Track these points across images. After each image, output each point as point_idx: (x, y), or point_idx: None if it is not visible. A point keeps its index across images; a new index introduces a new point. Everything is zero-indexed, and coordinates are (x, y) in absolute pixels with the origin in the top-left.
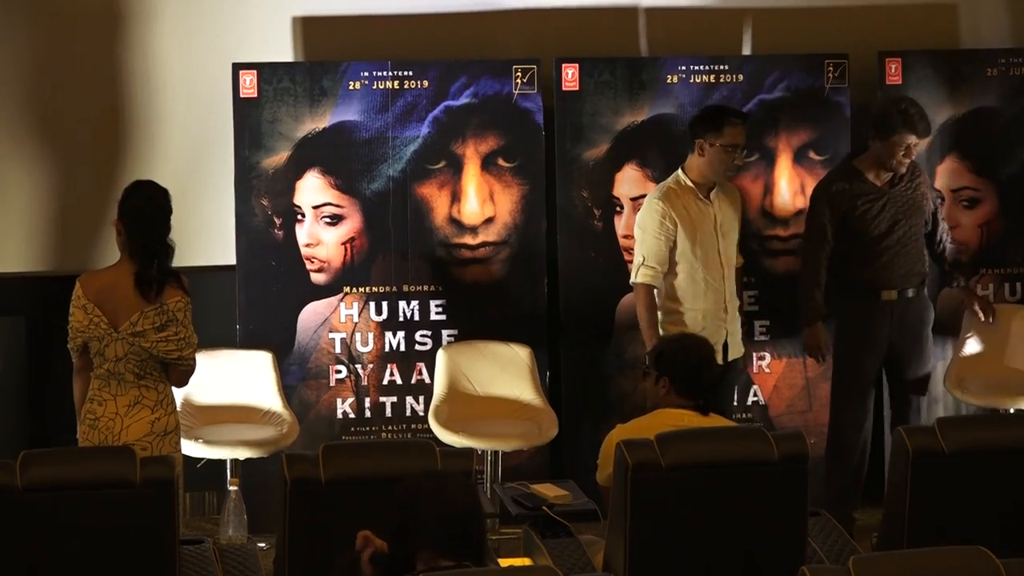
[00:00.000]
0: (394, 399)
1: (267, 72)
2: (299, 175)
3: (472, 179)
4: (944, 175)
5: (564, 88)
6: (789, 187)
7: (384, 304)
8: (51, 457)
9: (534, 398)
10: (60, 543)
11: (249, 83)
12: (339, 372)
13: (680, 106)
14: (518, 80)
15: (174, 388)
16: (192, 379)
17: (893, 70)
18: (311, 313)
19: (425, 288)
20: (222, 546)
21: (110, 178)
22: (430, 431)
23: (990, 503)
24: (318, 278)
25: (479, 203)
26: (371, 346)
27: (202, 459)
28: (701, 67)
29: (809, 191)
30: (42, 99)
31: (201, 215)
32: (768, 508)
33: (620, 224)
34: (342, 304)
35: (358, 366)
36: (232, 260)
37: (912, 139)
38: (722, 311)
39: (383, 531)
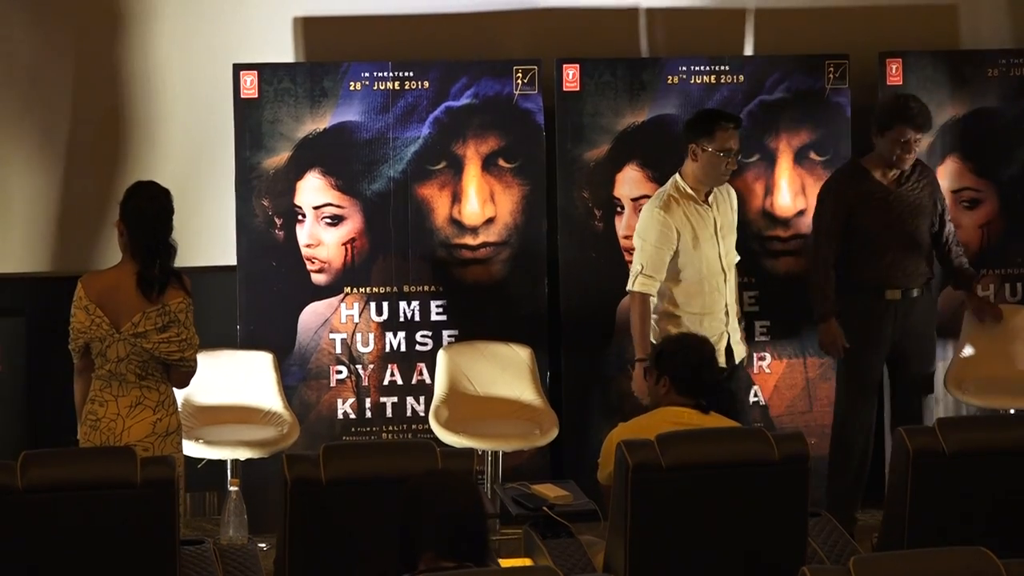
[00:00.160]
0: (395, 399)
1: (268, 73)
2: (300, 176)
3: (473, 180)
4: (945, 176)
5: (565, 89)
6: (790, 188)
7: (385, 305)
8: (51, 458)
9: (534, 398)
10: (60, 544)
11: (250, 83)
12: (340, 372)
13: (681, 107)
14: (519, 81)
15: (175, 389)
16: (193, 380)
17: (894, 71)
18: (312, 314)
19: (426, 289)
20: (222, 546)
21: (111, 178)
22: (431, 431)
23: (991, 504)
24: (319, 279)
25: (480, 204)
26: (372, 346)
27: (203, 459)
28: (702, 68)
29: (810, 192)
30: (43, 99)
31: (202, 216)
32: (768, 509)
33: (621, 225)
34: (343, 304)
35: (359, 366)
36: (233, 261)
37: (910, 133)
38: (723, 314)
39: (386, 531)
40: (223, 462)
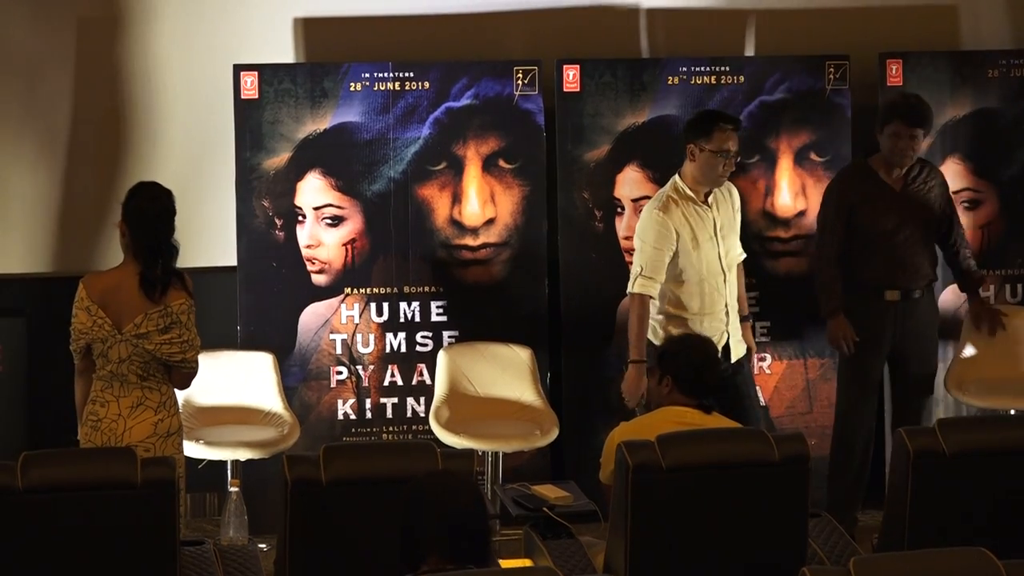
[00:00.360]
0: (395, 400)
1: (268, 73)
2: (300, 176)
3: (473, 180)
4: (945, 176)
5: (565, 89)
6: (790, 189)
7: (385, 305)
8: (52, 458)
9: (535, 399)
10: (61, 544)
11: (250, 84)
12: (340, 373)
13: (681, 107)
14: (519, 81)
15: (176, 390)
16: (194, 381)
17: (894, 71)
18: (312, 314)
19: (426, 289)
20: (223, 547)
21: (111, 179)
22: (431, 432)
23: (991, 504)
24: (319, 279)
25: (480, 204)
26: (372, 347)
27: (203, 460)
28: (702, 68)
29: (810, 192)
30: (43, 100)
31: (202, 216)
32: (769, 509)
33: (621, 225)
34: (343, 305)
35: (359, 367)
36: (233, 261)
37: (903, 128)
38: (723, 314)
39: (386, 532)
40: (223, 463)
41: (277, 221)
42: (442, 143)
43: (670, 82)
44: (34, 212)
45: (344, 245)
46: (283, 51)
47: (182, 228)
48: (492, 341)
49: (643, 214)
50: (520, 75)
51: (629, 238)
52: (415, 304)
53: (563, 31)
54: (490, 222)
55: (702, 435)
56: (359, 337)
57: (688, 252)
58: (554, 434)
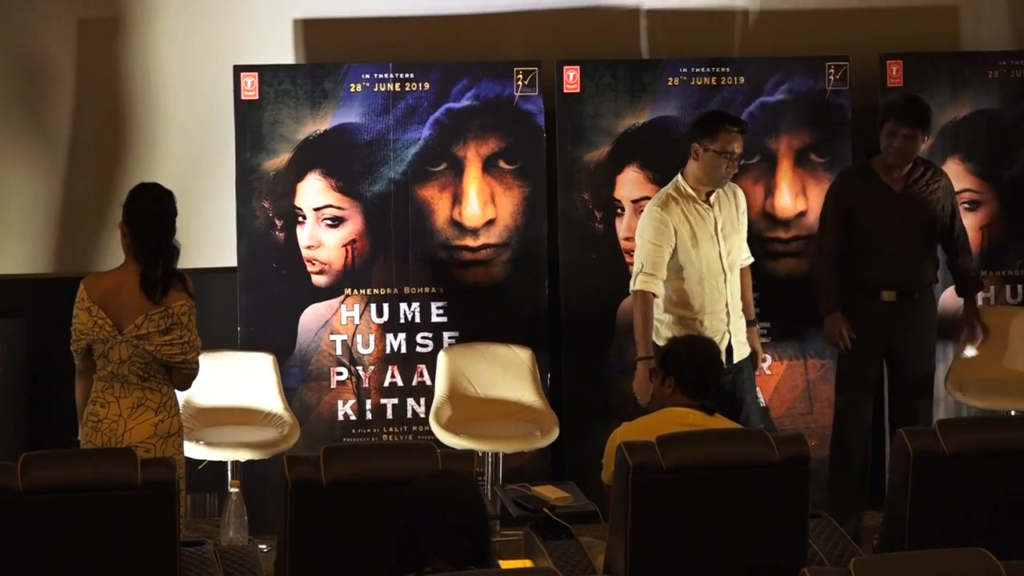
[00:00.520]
0: (395, 401)
1: (268, 74)
2: (300, 177)
3: (473, 181)
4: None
5: (565, 90)
6: (790, 189)
7: (385, 306)
8: (52, 459)
9: (535, 400)
10: (61, 545)
11: (250, 85)
12: (340, 374)
13: (681, 108)
14: (519, 82)
15: (177, 391)
16: (194, 382)
17: (894, 72)
18: (312, 315)
19: (426, 290)
20: (223, 548)
21: (111, 180)
22: (431, 433)
23: (991, 505)
24: (319, 280)
25: (480, 205)
26: (372, 348)
27: (203, 461)
28: (702, 69)
29: (810, 193)
30: (44, 100)
31: (202, 217)
32: (769, 510)
33: (621, 226)
34: (343, 306)
35: (359, 368)
36: (233, 262)
37: (896, 127)
38: (724, 314)
39: (386, 533)
40: (224, 463)
41: (277, 222)
42: (442, 144)
43: (670, 83)
44: (34, 213)
45: (344, 246)
46: (283, 52)
47: (182, 229)
48: (492, 342)
49: (644, 212)
50: (520, 76)
51: (629, 239)
52: (415, 305)
53: (563, 32)
54: (490, 223)
55: (702, 436)
56: (359, 338)
57: (687, 250)
58: (554, 435)
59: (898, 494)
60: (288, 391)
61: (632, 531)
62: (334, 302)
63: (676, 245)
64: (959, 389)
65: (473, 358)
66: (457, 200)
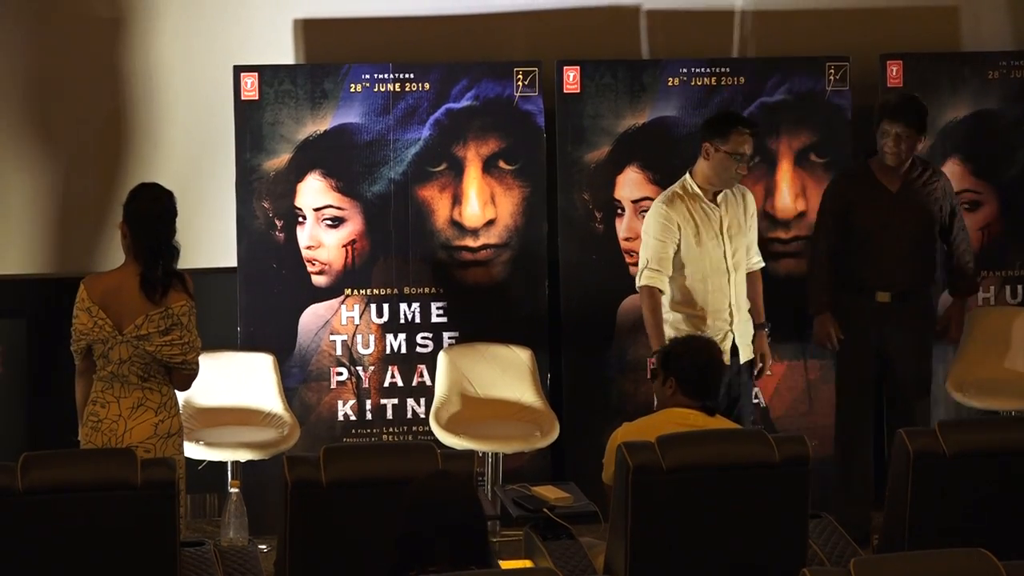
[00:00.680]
0: (395, 401)
1: (268, 74)
2: (300, 177)
3: (473, 181)
4: (949, 179)
5: (565, 90)
6: (790, 190)
7: (385, 306)
8: (52, 459)
9: (535, 400)
10: (61, 545)
11: (250, 85)
12: (340, 374)
13: (681, 109)
14: (519, 82)
15: (176, 391)
16: (194, 382)
17: (894, 72)
18: (312, 315)
19: (426, 290)
20: (223, 548)
21: (112, 180)
22: (431, 433)
23: (991, 505)
24: (319, 280)
25: (480, 205)
26: (372, 348)
27: (203, 461)
28: (702, 69)
29: (810, 194)
30: (44, 101)
31: (202, 217)
32: (769, 510)
33: (621, 226)
34: (343, 306)
35: (359, 368)
36: (233, 262)
37: (888, 126)
38: (726, 314)
39: (386, 533)
40: (224, 464)
41: (277, 222)
42: (442, 144)
43: (670, 83)
44: (35, 213)
45: (344, 246)
46: (283, 52)
47: (182, 229)
48: (492, 342)
49: (650, 209)
50: (520, 76)
51: (629, 239)
52: (415, 305)
53: (563, 32)
54: (490, 223)
55: (702, 436)
56: (359, 338)
57: (691, 248)
58: (554, 435)
59: (898, 494)
60: (288, 391)
61: (632, 531)
62: (334, 302)
63: (680, 242)
64: (959, 389)
65: (473, 358)
66: (457, 200)
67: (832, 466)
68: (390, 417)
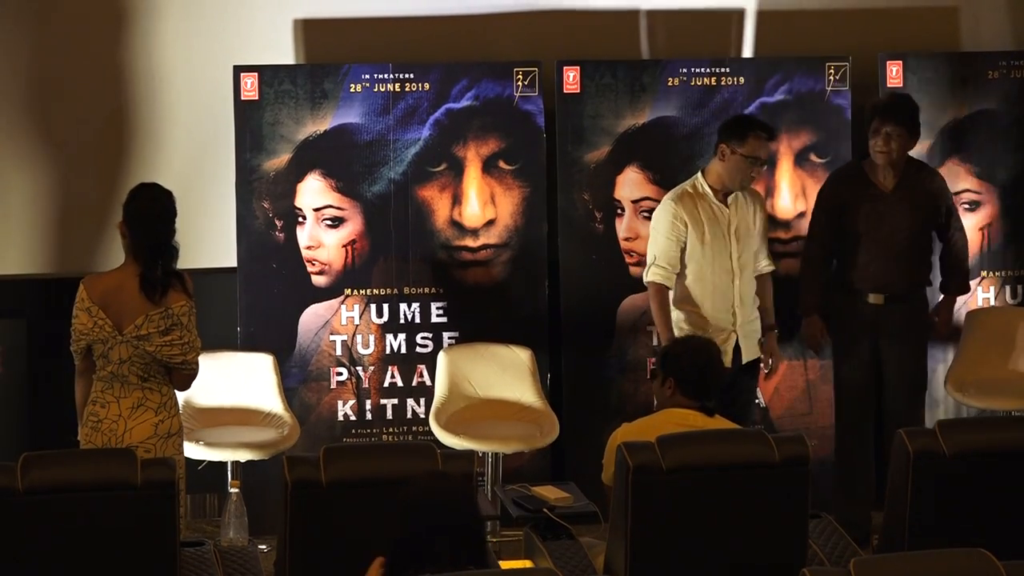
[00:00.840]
0: (395, 401)
1: (268, 74)
2: (300, 177)
3: (473, 181)
4: (945, 178)
5: (565, 90)
6: (790, 190)
7: (385, 306)
8: (52, 459)
9: (535, 400)
10: (61, 545)
11: (250, 85)
12: (340, 374)
13: (681, 109)
14: (519, 82)
15: (176, 391)
16: (194, 382)
17: (894, 72)
18: (312, 315)
19: (426, 290)
20: (223, 548)
21: (112, 180)
22: (431, 433)
23: (991, 505)
24: (319, 280)
25: (480, 205)
26: (372, 348)
27: (203, 461)
28: (702, 70)
29: (810, 194)
30: (44, 101)
31: (202, 217)
32: (769, 511)
33: (621, 227)
34: (343, 306)
35: (359, 368)
36: (233, 262)
37: (880, 124)
38: (730, 314)
39: (387, 534)
40: (223, 464)
41: (277, 222)
42: (442, 144)
43: (670, 83)
44: (35, 213)
45: (344, 246)
46: (283, 52)
47: (183, 229)
48: (492, 342)
49: (659, 205)
50: (520, 76)
51: (629, 239)
52: (415, 305)
53: (563, 32)
54: (490, 223)
55: (702, 436)
56: (359, 338)
57: (696, 247)
58: (554, 435)
59: (898, 494)
60: (288, 391)
61: (632, 531)
62: (334, 302)
63: (686, 240)
64: (959, 389)
65: (473, 358)
66: (457, 200)
67: (832, 466)
68: (390, 417)
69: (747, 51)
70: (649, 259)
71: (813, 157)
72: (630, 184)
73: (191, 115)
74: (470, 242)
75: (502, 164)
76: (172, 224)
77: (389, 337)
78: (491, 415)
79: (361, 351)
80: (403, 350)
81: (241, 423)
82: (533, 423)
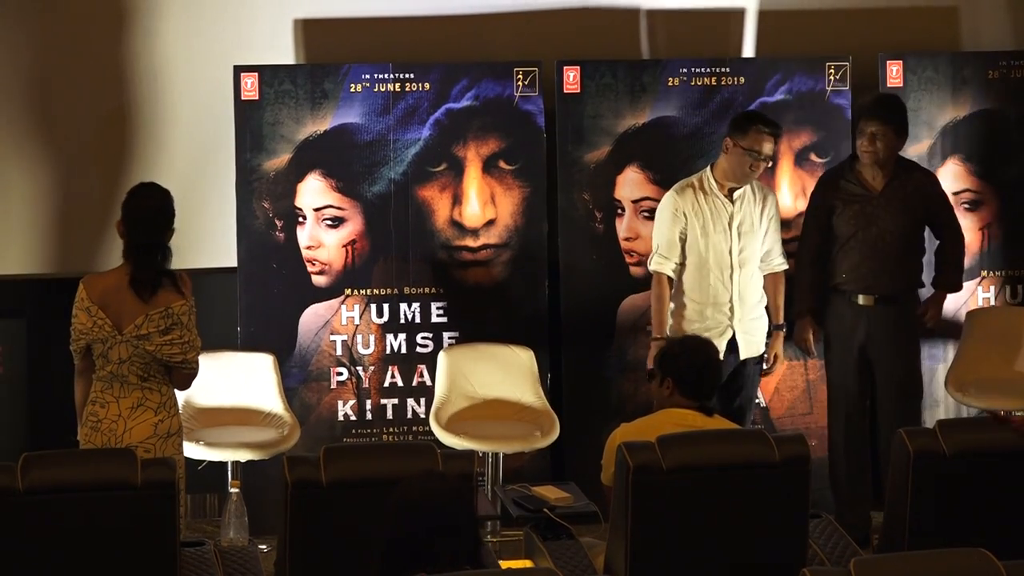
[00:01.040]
0: (395, 401)
1: (268, 74)
2: (300, 177)
3: (473, 181)
4: (945, 178)
5: (565, 90)
6: (790, 190)
7: (385, 306)
8: (52, 459)
9: (535, 400)
10: (61, 546)
11: (250, 85)
12: (340, 374)
13: (681, 109)
14: (519, 82)
15: (176, 391)
16: (194, 382)
17: (894, 72)
18: (312, 315)
19: (426, 290)
20: (223, 548)
21: (112, 180)
22: (431, 433)
23: (991, 505)
24: (319, 280)
25: (480, 205)
26: (372, 348)
27: (203, 461)
28: (702, 70)
29: (810, 194)
30: (44, 101)
31: (203, 217)
32: (769, 510)
33: (621, 226)
34: (343, 306)
35: (359, 368)
36: (233, 262)
37: (867, 124)
38: (727, 308)
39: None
40: (224, 464)
41: (277, 222)
42: (442, 144)
43: (670, 83)
44: (35, 213)
45: (344, 246)
46: (283, 52)
47: (183, 229)
48: (492, 342)
49: (664, 196)
50: (520, 76)
51: (629, 239)
52: (415, 305)
53: (563, 32)
54: (490, 223)
55: (702, 436)
56: (359, 338)
57: (696, 237)
58: (554, 435)
59: (898, 494)
60: (288, 391)
61: (632, 531)
62: (334, 302)
63: (686, 231)
64: (959, 389)
65: (473, 358)
66: (457, 200)
67: (826, 466)
68: (390, 417)
69: (747, 51)
70: (653, 247)
71: (813, 157)
72: (630, 184)
73: (191, 115)
74: (470, 242)
75: (502, 164)
76: (164, 224)
77: (389, 337)
78: (491, 415)
79: (361, 351)
80: (403, 350)
81: (241, 423)
82: (533, 423)
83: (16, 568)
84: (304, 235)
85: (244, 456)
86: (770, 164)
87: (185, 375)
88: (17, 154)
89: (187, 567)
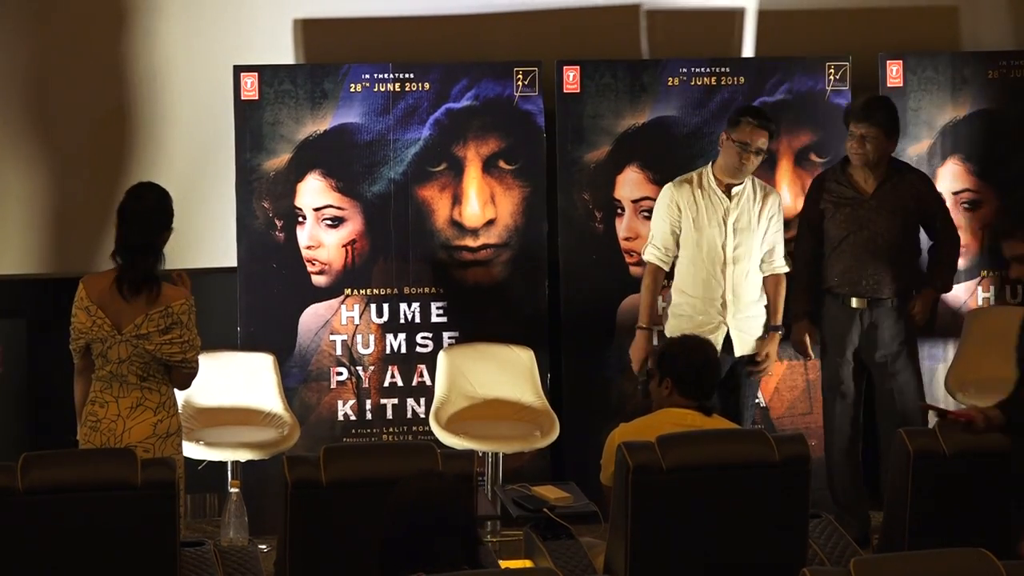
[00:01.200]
0: (395, 401)
1: (268, 74)
2: (300, 177)
3: (473, 181)
4: (945, 178)
5: (565, 90)
6: (790, 190)
7: (385, 306)
8: (52, 459)
9: (535, 400)
10: (61, 545)
11: (250, 85)
12: (340, 374)
13: (681, 108)
14: (519, 82)
15: (176, 390)
16: (194, 381)
17: (894, 72)
18: (312, 315)
19: (426, 290)
20: (223, 548)
21: (111, 180)
22: (431, 433)
23: (991, 505)
24: (319, 280)
25: (480, 205)
26: (372, 348)
27: (203, 461)
28: (702, 69)
29: None
30: (43, 100)
31: (202, 217)
32: (769, 510)
33: (621, 226)
34: (343, 306)
35: (359, 368)
36: (233, 262)
37: (856, 126)
38: (719, 304)
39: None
40: (223, 464)
41: (277, 222)
42: (442, 144)
43: (670, 83)
44: (34, 213)
45: (344, 246)
46: (283, 52)
47: (183, 229)
48: (492, 342)
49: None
50: (520, 76)
51: (629, 239)
52: (415, 305)
53: (563, 32)
54: (490, 223)
55: (702, 436)
56: (359, 338)
57: (689, 231)
58: (554, 435)
59: (898, 494)
60: (288, 391)
61: (632, 531)
62: (334, 302)
63: (680, 224)
64: (959, 389)
65: (473, 358)
66: (457, 200)
67: (829, 469)
68: (390, 417)
69: (747, 51)
70: (649, 238)
71: (813, 157)
72: (630, 184)
73: (191, 115)
74: (470, 242)
75: (502, 164)
76: (161, 224)
77: (389, 337)
78: (491, 415)
79: (361, 351)
80: (403, 350)
81: (241, 423)
82: (533, 423)
83: (16, 568)
84: (304, 235)
85: (244, 456)
86: (763, 157)
87: (185, 375)
88: (16, 154)
89: (187, 567)
